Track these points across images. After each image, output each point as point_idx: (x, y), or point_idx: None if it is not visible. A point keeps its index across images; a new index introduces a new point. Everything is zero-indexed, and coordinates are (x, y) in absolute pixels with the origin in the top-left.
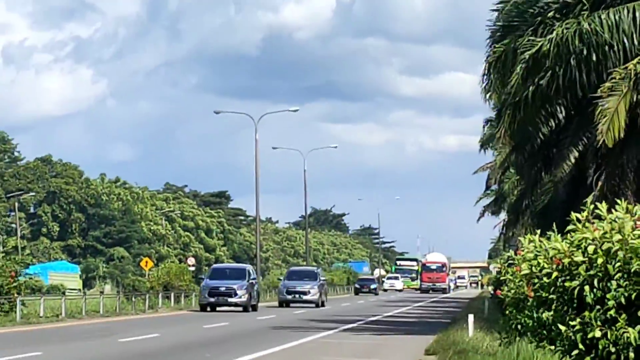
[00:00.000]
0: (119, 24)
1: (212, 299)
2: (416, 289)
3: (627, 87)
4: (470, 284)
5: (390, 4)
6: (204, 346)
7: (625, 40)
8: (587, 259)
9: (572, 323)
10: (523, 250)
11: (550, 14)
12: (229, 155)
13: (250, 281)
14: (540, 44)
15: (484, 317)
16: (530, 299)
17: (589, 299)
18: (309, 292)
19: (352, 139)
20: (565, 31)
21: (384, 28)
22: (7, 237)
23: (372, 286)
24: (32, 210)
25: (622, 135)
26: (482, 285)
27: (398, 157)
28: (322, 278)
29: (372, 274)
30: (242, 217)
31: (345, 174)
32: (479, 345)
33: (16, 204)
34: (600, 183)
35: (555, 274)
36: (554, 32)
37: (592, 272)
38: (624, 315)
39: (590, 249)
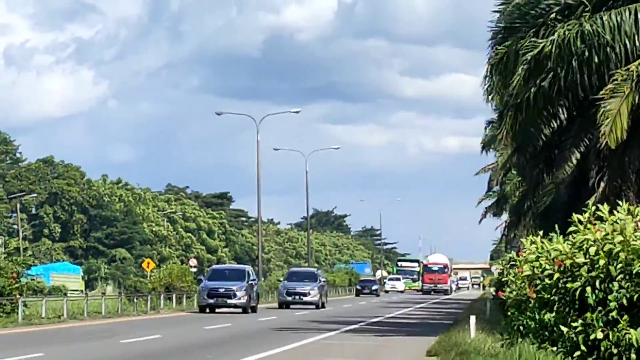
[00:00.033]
0: (121, 25)
1: (211, 300)
2: (418, 291)
3: (629, 88)
4: (472, 285)
5: (392, 5)
6: (205, 347)
7: (627, 42)
8: (588, 260)
9: (574, 324)
10: (525, 252)
11: (552, 16)
12: (230, 156)
13: (250, 282)
14: (542, 45)
15: (486, 319)
16: (532, 301)
17: (590, 300)
18: (309, 293)
19: (353, 140)
20: (567, 32)
21: (385, 29)
22: (9, 238)
23: (373, 287)
24: (33, 212)
25: (624, 136)
26: (483, 287)
27: (399, 158)
28: (322, 279)
29: (374, 275)
30: (243, 219)
31: (347, 175)
32: (481, 347)
33: (18, 205)
34: (602, 184)
35: (557, 275)
36: (556, 34)
37: (593, 274)
38: (625, 317)
39: (592, 250)
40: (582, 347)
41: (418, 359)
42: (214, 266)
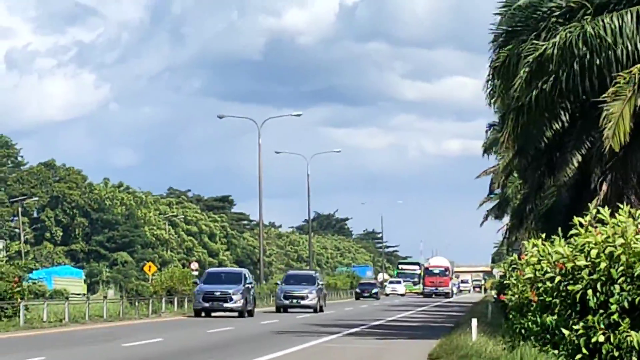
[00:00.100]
0: (122, 29)
1: (206, 304)
2: (419, 294)
3: (632, 91)
4: (474, 288)
5: (393, 8)
6: (207, 351)
7: (629, 44)
8: (590, 263)
9: (575, 327)
10: (526, 255)
11: (554, 19)
12: (232, 159)
13: (246, 286)
14: (543, 48)
15: (488, 322)
16: (534, 303)
17: (592, 303)
18: (307, 296)
19: (355, 143)
20: (568, 35)
21: (386, 32)
22: (11, 242)
23: (374, 290)
24: (35, 215)
25: (627, 139)
26: (485, 290)
27: (400, 161)
28: (320, 282)
29: (375, 278)
30: (245, 222)
31: (348, 178)
32: (483, 350)
33: (19, 209)
34: (604, 187)
35: (558, 278)
36: (558, 37)
37: (595, 277)
38: (627, 319)
39: (593, 253)
40: (584, 350)
41: None
42: (210, 269)
